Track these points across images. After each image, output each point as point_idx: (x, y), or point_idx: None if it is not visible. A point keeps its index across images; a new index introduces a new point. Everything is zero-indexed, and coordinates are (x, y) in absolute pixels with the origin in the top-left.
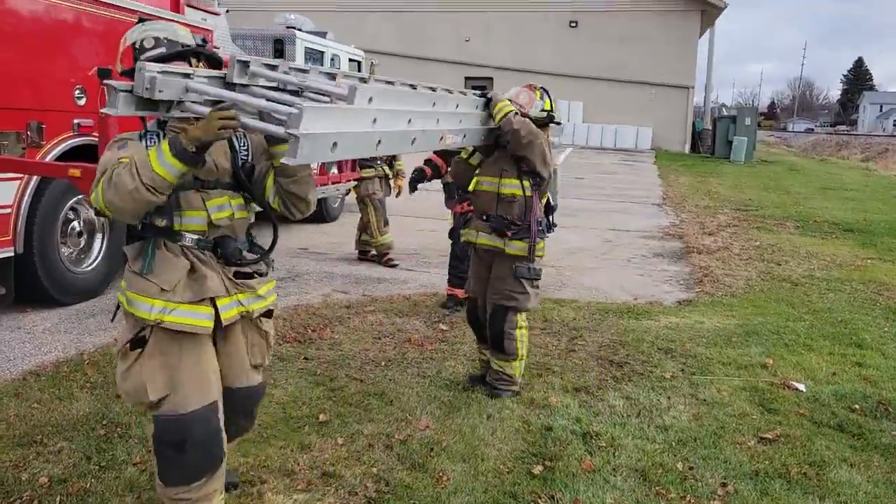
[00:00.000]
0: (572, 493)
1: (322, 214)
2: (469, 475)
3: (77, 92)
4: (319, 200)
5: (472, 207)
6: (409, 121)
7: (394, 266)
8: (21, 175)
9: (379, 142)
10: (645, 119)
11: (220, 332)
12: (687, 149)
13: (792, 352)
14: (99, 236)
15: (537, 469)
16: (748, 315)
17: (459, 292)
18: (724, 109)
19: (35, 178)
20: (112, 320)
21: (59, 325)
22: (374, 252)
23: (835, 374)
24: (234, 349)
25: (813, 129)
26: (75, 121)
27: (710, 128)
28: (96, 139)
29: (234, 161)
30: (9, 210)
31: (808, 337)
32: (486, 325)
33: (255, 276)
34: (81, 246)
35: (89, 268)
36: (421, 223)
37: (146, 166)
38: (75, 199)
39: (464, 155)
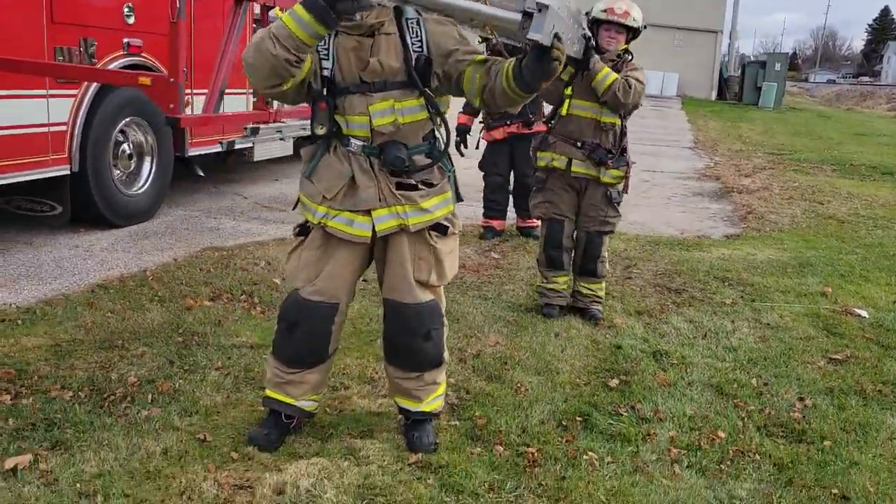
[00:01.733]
0: (651, 404)
1: None
2: (546, 387)
3: (126, 10)
4: None
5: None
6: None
7: None
8: (74, 93)
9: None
10: (671, 65)
11: (383, 242)
12: (713, 96)
13: (849, 282)
14: (148, 159)
15: (613, 382)
16: (799, 248)
17: (496, 223)
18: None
19: (88, 96)
20: (293, 209)
21: (115, 245)
22: None
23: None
24: (397, 260)
25: (835, 81)
26: (125, 40)
27: (737, 74)
28: (145, 59)
29: (406, 58)
30: (65, 127)
31: (863, 269)
32: (573, 251)
33: (421, 186)
34: (131, 169)
35: (140, 191)
36: (455, 161)
37: (278, 21)
38: (125, 121)
39: None
